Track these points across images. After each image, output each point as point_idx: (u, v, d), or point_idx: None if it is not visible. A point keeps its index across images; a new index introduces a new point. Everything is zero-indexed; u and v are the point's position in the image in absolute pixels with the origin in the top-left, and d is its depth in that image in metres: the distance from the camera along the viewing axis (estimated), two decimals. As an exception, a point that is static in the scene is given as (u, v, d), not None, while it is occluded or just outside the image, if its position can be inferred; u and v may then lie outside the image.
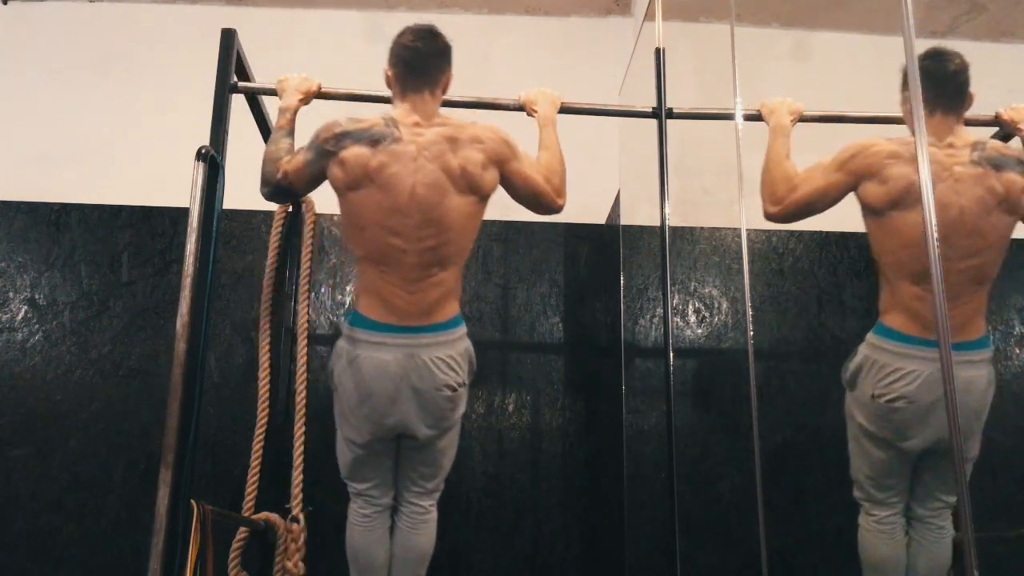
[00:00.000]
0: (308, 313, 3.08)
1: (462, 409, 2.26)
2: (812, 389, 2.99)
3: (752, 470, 2.11)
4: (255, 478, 2.80)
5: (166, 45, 3.60)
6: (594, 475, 3.04)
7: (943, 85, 2.15)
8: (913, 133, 2.22)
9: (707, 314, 3.15)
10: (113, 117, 3.49)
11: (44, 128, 3.48)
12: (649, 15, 2.62)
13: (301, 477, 2.85)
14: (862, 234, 2.25)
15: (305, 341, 3.03)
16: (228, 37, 2.39)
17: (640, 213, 2.85)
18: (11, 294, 3.16)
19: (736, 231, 3.00)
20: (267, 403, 2.91)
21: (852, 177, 2.17)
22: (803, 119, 2.39)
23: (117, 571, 2.86)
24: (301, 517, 2.79)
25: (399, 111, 2.24)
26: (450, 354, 2.17)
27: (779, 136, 2.32)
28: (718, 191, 3.15)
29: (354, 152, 2.13)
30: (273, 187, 2.24)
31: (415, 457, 2.27)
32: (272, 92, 2.43)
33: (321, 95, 2.44)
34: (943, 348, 1.42)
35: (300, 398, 2.98)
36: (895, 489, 2.19)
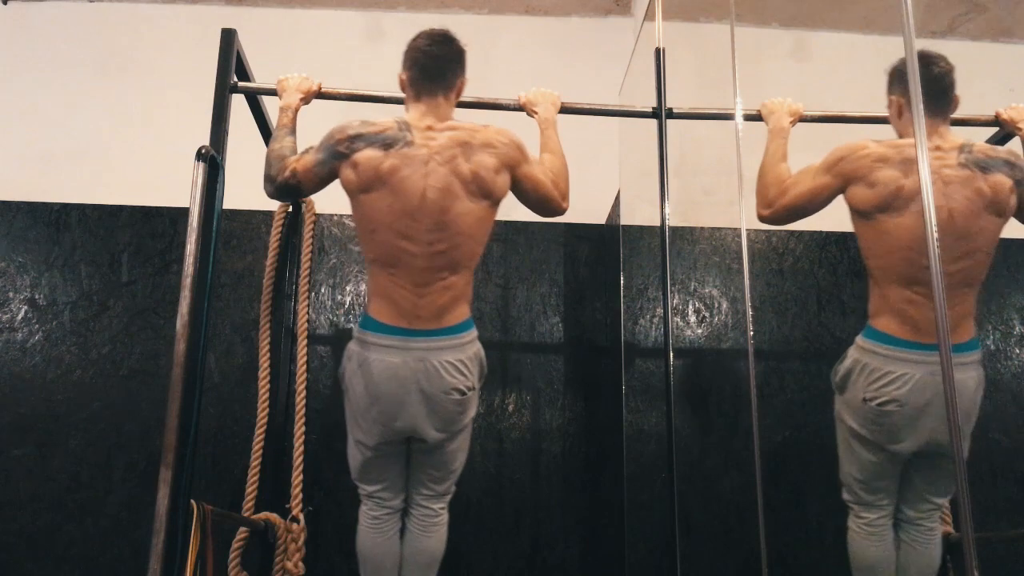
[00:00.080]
0: (308, 313, 3.09)
1: (472, 413, 2.26)
2: (812, 389, 2.99)
3: (752, 470, 2.11)
4: (255, 478, 2.80)
5: (166, 45, 3.60)
6: (594, 475, 3.04)
7: (928, 88, 2.15)
8: (899, 135, 2.24)
9: (707, 314, 3.15)
10: (113, 117, 3.49)
11: (44, 128, 3.48)
12: (649, 15, 2.62)
13: (301, 477, 2.86)
14: (861, 234, 2.25)
15: (305, 341, 3.03)
16: (228, 37, 2.39)
17: (640, 213, 2.85)
18: (11, 294, 3.16)
19: (736, 231, 3.00)
20: (267, 403, 2.92)
21: (840, 180, 2.17)
22: (803, 119, 2.40)
23: (117, 571, 2.86)
24: (301, 517, 2.79)
25: (412, 115, 2.24)
26: (460, 358, 2.17)
27: (776, 138, 2.33)
28: (718, 191, 3.15)
29: (367, 155, 2.13)
30: (279, 185, 2.23)
31: (425, 460, 2.27)
32: (272, 92, 2.43)
33: (321, 95, 2.45)
34: (943, 350, 1.42)
35: (300, 398, 2.98)
36: (884, 492, 2.20)
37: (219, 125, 2.30)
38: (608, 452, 2.99)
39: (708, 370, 3.11)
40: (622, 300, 2.92)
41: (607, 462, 3.01)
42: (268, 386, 2.94)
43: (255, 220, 3.22)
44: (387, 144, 2.14)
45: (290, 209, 3.14)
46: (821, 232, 3.16)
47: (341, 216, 3.26)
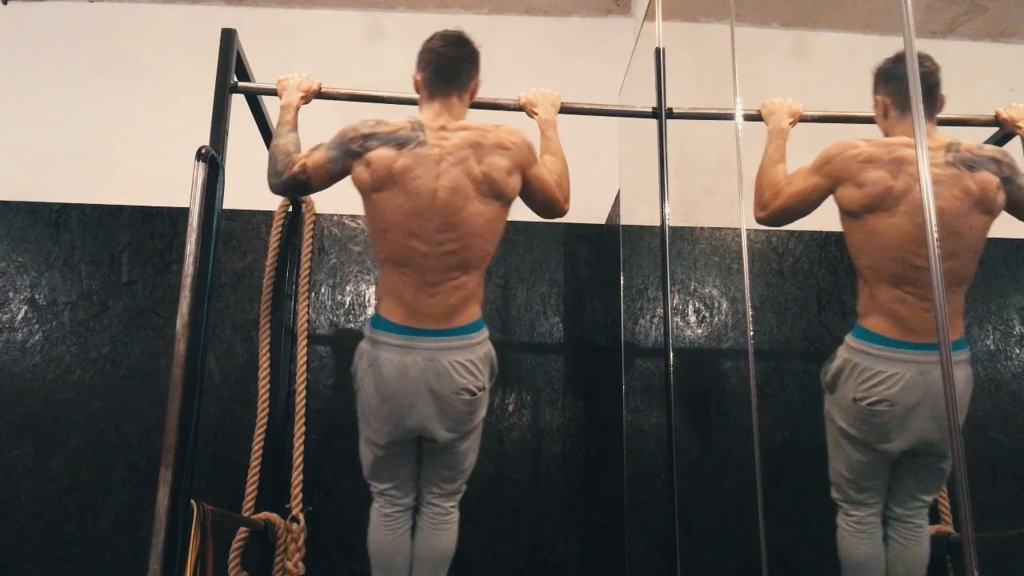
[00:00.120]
0: (308, 313, 3.09)
1: (483, 413, 2.27)
2: (812, 389, 2.97)
3: (752, 470, 2.11)
4: (255, 478, 2.80)
5: (166, 45, 3.60)
6: (594, 475, 3.04)
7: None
8: (885, 134, 2.24)
9: (707, 314, 3.15)
10: (113, 117, 3.49)
11: (44, 128, 3.48)
12: (649, 15, 2.62)
13: (301, 477, 2.86)
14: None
15: (305, 341, 3.03)
16: (228, 37, 2.39)
17: (640, 213, 2.85)
18: (11, 294, 3.16)
19: (736, 231, 3.00)
20: (267, 403, 2.92)
21: (830, 181, 2.18)
22: (803, 119, 2.40)
23: (117, 571, 2.86)
24: (301, 517, 2.79)
25: (426, 114, 2.25)
26: (470, 358, 2.17)
27: (775, 139, 2.33)
28: (718, 191, 3.15)
29: (380, 154, 2.14)
30: (287, 180, 2.22)
31: (436, 459, 2.27)
32: (272, 92, 2.43)
33: (321, 95, 2.44)
34: (943, 350, 1.42)
35: (300, 398, 2.99)
36: (873, 490, 2.20)
37: (219, 125, 2.30)
38: (608, 452, 2.99)
39: (708, 370, 3.11)
40: (622, 300, 2.92)
41: (607, 462, 3.01)
42: (268, 386, 2.94)
43: (255, 220, 3.22)
44: (400, 143, 2.15)
45: (290, 209, 3.14)
46: (821, 232, 3.16)
47: (341, 216, 3.26)
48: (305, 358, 3.03)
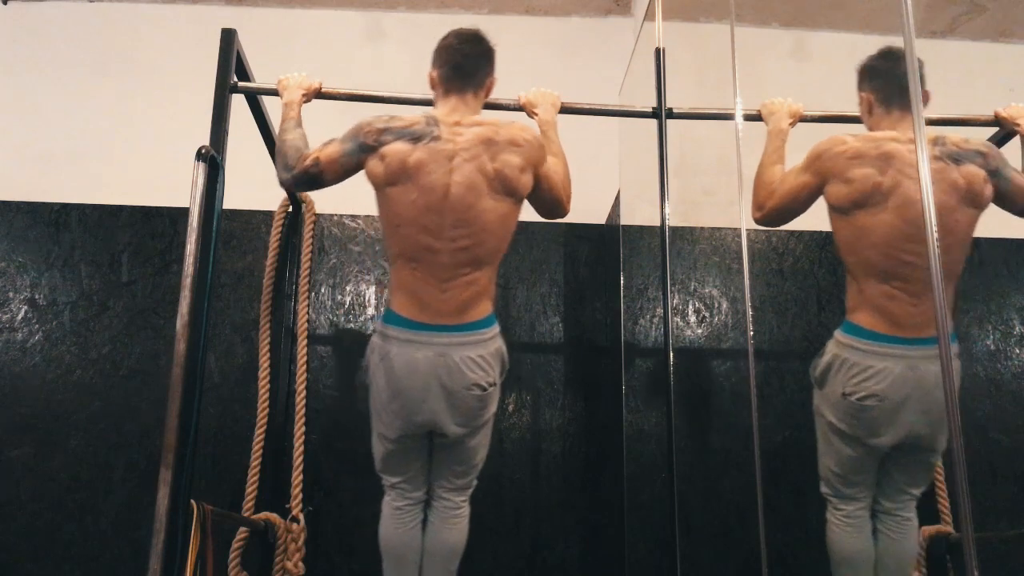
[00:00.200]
0: (308, 313, 3.09)
1: (493, 409, 2.28)
2: (812, 389, 2.99)
3: (752, 470, 2.11)
4: (255, 478, 2.80)
5: (166, 45, 3.60)
6: (594, 475, 3.04)
7: (896, 83, 2.18)
8: (870, 130, 2.23)
9: (707, 314, 3.15)
10: (113, 117, 3.49)
11: (44, 128, 3.48)
12: (649, 15, 2.62)
13: (301, 477, 2.86)
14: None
15: (305, 341, 3.04)
16: (228, 37, 2.39)
17: (640, 213, 2.85)
18: (11, 294, 3.16)
19: (736, 231, 3.00)
20: (267, 403, 2.92)
21: (819, 178, 2.18)
22: (803, 119, 2.40)
23: (117, 571, 2.86)
24: (301, 517, 2.79)
25: (441, 110, 2.26)
26: (481, 354, 2.18)
27: (773, 140, 2.34)
28: (718, 191, 3.15)
29: (395, 147, 2.15)
30: (298, 173, 2.22)
31: (447, 454, 2.28)
32: (272, 92, 2.43)
33: (321, 95, 2.44)
34: (943, 349, 1.41)
35: (300, 398, 2.99)
36: (862, 485, 2.21)
37: (219, 125, 2.30)
38: (608, 452, 2.99)
39: (708, 370, 3.11)
40: (622, 300, 2.92)
41: (607, 462, 3.01)
42: (268, 386, 2.94)
43: (255, 220, 3.22)
44: (415, 138, 2.16)
45: (290, 209, 3.14)
46: (821, 232, 3.15)
47: (341, 216, 3.26)
48: (305, 358, 3.03)
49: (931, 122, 2.24)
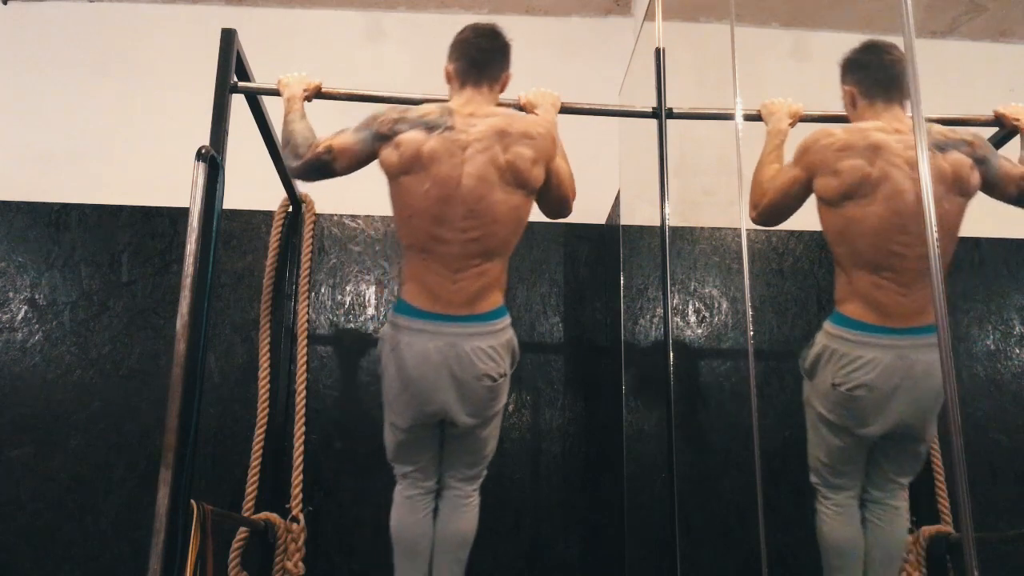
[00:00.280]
0: (308, 313, 3.09)
1: (504, 399, 2.29)
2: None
3: (752, 470, 2.11)
4: (255, 478, 2.80)
5: (166, 45, 3.60)
6: (594, 475, 3.04)
7: (882, 75, 2.20)
8: (853, 120, 2.25)
9: (707, 314, 3.15)
10: (113, 117, 3.49)
11: (44, 128, 3.48)
12: (649, 15, 2.62)
13: (301, 477, 2.86)
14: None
15: (305, 341, 3.04)
16: (228, 37, 2.39)
17: (640, 213, 2.85)
18: (11, 294, 3.16)
19: (736, 231, 3.00)
20: (267, 403, 2.92)
21: (808, 172, 2.19)
22: (803, 119, 2.40)
23: (117, 571, 2.86)
24: (301, 517, 2.80)
25: (457, 102, 2.27)
26: (491, 344, 2.19)
27: (772, 140, 2.34)
28: (718, 191, 3.15)
29: (410, 135, 2.16)
30: (309, 160, 2.22)
31: (458, 444, 2.29)
32: (272, 92, 2.43)
33: (321, 95, 2.44)
34: (944, 354, 1.41)
35: (300, 398, 2.99)
36: (851, 474, 2.22)
37: (219, 125, 2.30)
38: (608, 452, 2.99)
39: (708, 370, 3.11)
40: (622, 300, 2.92)
41: (607, 462, 3.01)
42: (268, 386, 2.95)
43: (255, 220, 3.22)
44: (429, 127, 2.17)
45: (290, 209, 3.14)
46: (821, 232, 3.15)
47: (341, 216, 3.26)
48: (305, 358, 3.03)
49: (931, 121, 2.24)
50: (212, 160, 2.17)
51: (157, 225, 3.24)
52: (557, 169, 2.29)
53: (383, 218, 3.26)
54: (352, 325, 3.17)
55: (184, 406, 1.99)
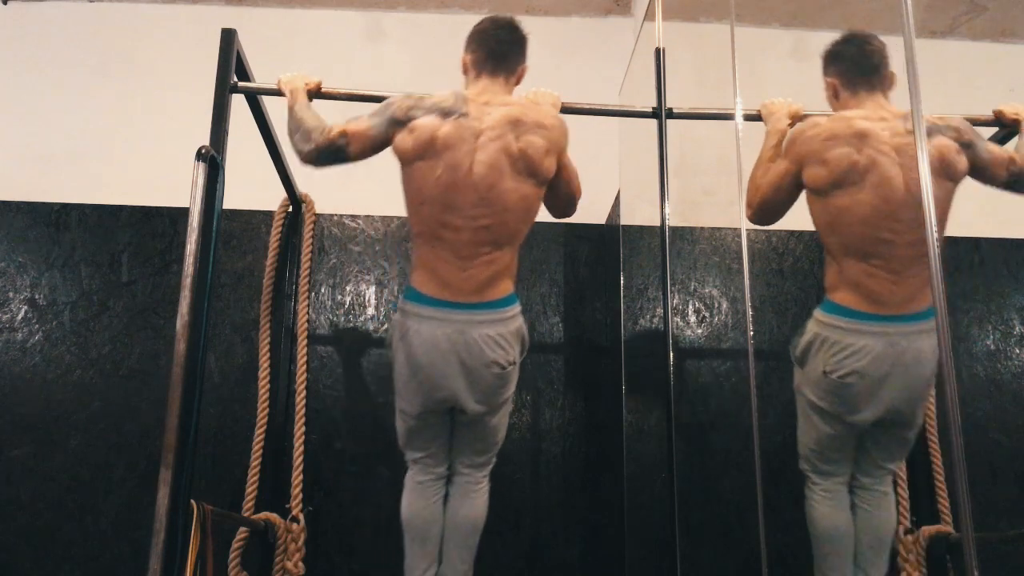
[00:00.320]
0: (308, 313, 3.09)
1: (513, 387, 2.30)
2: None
3: (752, 470, 2.11)
4: (255, 478, 2.80)
5: (166, 45, 3.60)
6: (594, 475, 3.04)
7: (859, 65, 2.23)
8: (835, 111, 2.26)
9: (707, 314, 3.15)
10: (113, 117, 3.49)
11: (44, 128, 3.48)
12: (649, 15, 2.62)
13: (301, 477, 2.86)
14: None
15: (305, 341, 3.04)
16: (228, 37, 2.39)
17: (640, 213, 2.85)
18: (11, 294, 3.16)
19: (736, 231, 3.00)
20: (267, 403, 2.92)
21: (796, 164, 2.20)
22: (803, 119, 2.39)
23: (117, 571, 2.86)
24: (301, 517, 2.79)
25: (472, 90, 2.28)
26: (500, 332, 2.19)
27: (770, 140, 2.35)
28: (718, 191, 3.15)
29: (425, 120, 2.17)
30: (325, 145, 2.22)
31: (467, 431, 2.30)
32: (272, 92, 2.43)
33: (321, 95, 2.44)
34: (943, 350, 1.41)
35: (300, 398, 2.99)
36: (841, 461, 2.23)
37: (219, 125, 2.30)
38: (608, 452, 2.99)
39: (708, 370, 3.11)
40: (622, 300, 2.92)
41: (607, 462, 3.01)
42: (268, 386, 2.95)
43: (255, 220, 3.22)
44: (445, 113, 2.18)
45: (290, 209, 3.14)
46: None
47: (341, 216, 3.26)
48: (305, 358, 3.03)
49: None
50: (212, 160, 2.17)
51: (157, 225, 3.24)
52: (568, 164, 2.31)
53: (383, 218, 3.26)
54: (352, 325, 3.17)
55: (184, 406, 1.99)
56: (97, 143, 3.45)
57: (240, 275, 3.18)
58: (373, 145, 2.23)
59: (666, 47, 2.46)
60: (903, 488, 2.76)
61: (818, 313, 2.19)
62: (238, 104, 2.43)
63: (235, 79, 2.39)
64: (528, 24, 3.77)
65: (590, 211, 3.16)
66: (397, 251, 3.24)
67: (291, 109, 2.31)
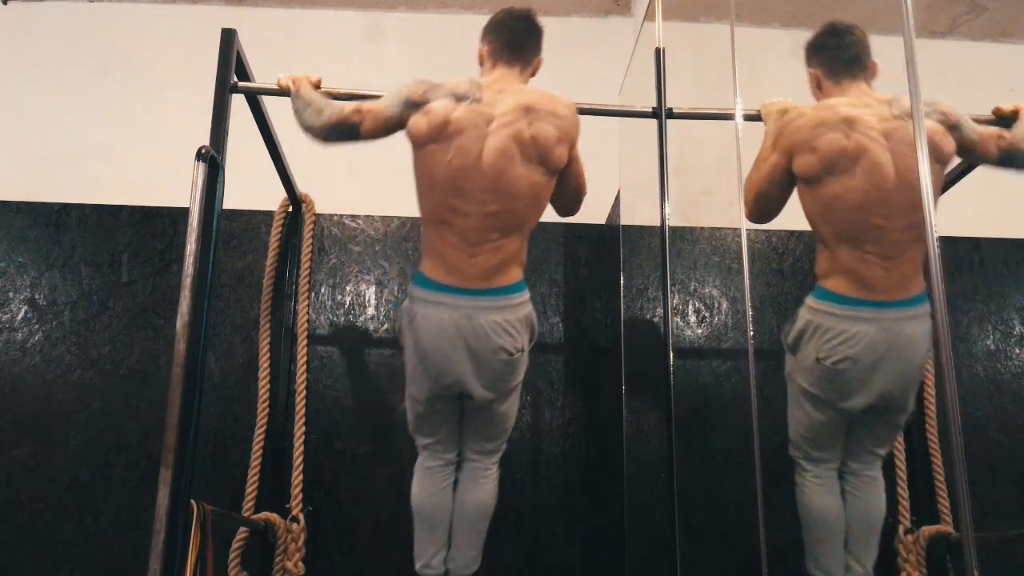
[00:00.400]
0: (308, 313, 3.09)
1: (521, 375, 2.30)
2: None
3: (752, 470, 2.11)
4: (255, 478, 2.80)
5: (166, 45, 3.60)
6: (594, 475, 3.04)
7: (842, 55, 2.25)
8: (816, 100, 2.28)
9: (707, 314, 3.15)
10: (113, 117, 3.49)
11: (44, 128, 3.48)
12: (649, 15, 2.62)
13: (301, 477, 2.86)
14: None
15: (305, 341, 3.04)
16: (228, 37, 2.39)
17: (640, 213, 2.85)
18: (11, 294, 3.16)
19: (736, 231, 3.00)
20: (267, 403, 2.92)
21: (786, 154, 2.21)
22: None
23: (117, 571, 2.86)
24: (301, 517, 2.80)
25: (487, 79, 2.30)
26: (508, 319, 2.19)
27: (768, 140, 2.34)
28: (718, 191, 3.15)
29: (439, 103, 2.18)
30: (338, 120, 2.22)
31: (476, 418, 2.30)
32: (272, 92, 2.43)
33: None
34: (944, 350, 1.41)
35: (300, 398, 2.99)
36: (833, 447, 2.24)
37: (219, 125, 2.30)
38: (608, 452, 2.99)
39: (708, 370, 3.11)
40: (622, 300, 2.92)
41: (607, 462, 3.01)
42: (268, 386, 2.95)
43: (255, 220, 3.22)
44: (459, 98, 2.19)
45: (290, 209, 3.14)
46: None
47: (341, 216, 3.26)
48: (305, 358, 3.03)
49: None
50: (212, 160, 2.17)
51: (157, 225, 3.24)
52: (577, 158, 2.31)
53: (383, 218, 3.26)
54: (352, 325, 3.17)
55: (184, 406, 1.99)
56: (97, 143, 3.45)
57: (240, 275, 3.18)
58: (387, 125, 2.23)
59: (666, 47, 2.46)
60: (903, 488, 2.76)
61: (810, 300, 2.19)
62: (238, 104, 2.43)
63: (235, 79, 2.39)
64: (528, 24, 3.79)
65: (590, 211, 3.15)
66: (397, 251, 3.24)
67: (297, 93, 2.31)
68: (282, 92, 2.38)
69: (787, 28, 3.64)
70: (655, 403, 2.86)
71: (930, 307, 2.15)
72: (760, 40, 3.58)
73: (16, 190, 3.29)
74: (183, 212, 2.20)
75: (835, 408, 2.17)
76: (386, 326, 3.16)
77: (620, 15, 3.73)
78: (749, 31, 3.53)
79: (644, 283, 3.03)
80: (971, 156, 2.21)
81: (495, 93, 2.22)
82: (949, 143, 2.13)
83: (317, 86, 2.41)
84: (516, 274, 2.23)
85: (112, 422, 3.01)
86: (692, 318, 3.14)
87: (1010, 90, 3.42)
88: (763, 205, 2.29)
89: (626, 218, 2.99)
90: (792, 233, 3.18)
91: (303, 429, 2.95)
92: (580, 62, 3.60)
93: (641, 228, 2.88)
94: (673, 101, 2.44)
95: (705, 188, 3.22)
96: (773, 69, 3.48)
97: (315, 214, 3.19)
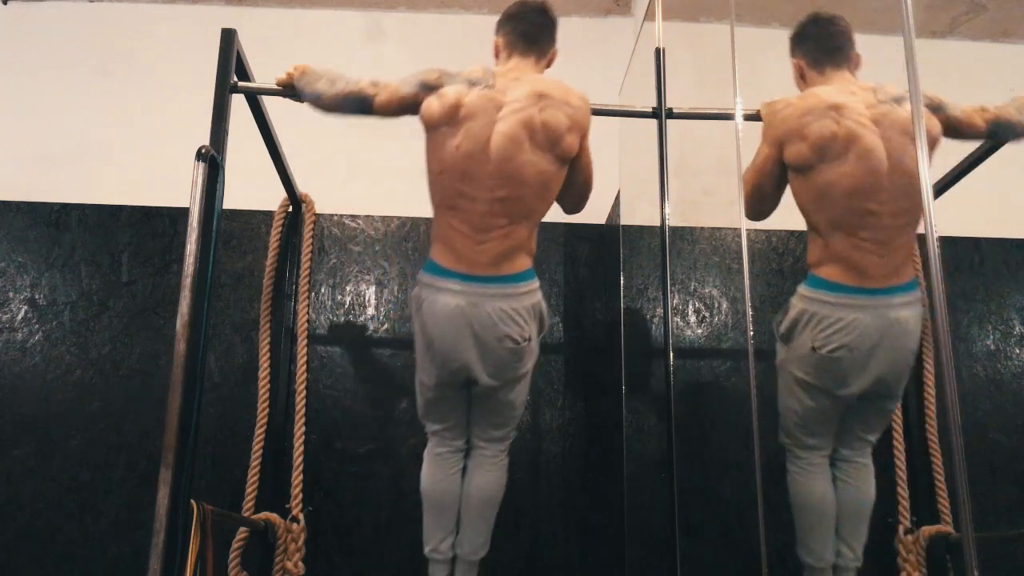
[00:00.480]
0: (308, 313, 3.09)
1: (530, 364, 2.30)
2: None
3: (752, 470, 2.11)
4: (255, 478, 2.80)
5: (166, 45, 3.60)
6: (594, 475, 3.04)
7: (825, 45, 2.27)
8: (800, 90, 2.30)
9: (707, 314, 3.15)
10: (113, 117, 3.49)
11: (44, 128, 3.48)
12: (649, 15, 2.62)
13: (301, 477, 2.86)
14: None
15: (305, 341, 3.04)
16: (228, 37, 2.39)
17: (640, 213, 2.85)
18: (11, 294, 3.16)
19: (736, 231, 3.00)
20: (267, 403, 2.92)
21: (776, 146, 2.21)
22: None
23: (117, 571, 2.86)
24: (301, 517, 2.80)
25: (502, 68, 2.31)
26: (515, 307, 2.19)
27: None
28: (718, 191, 3.15)
29: (453, 87, 2.19)
30: (352, 92, 2.24)
31: (484, 405, 2.31)
32: (272, 92, 2.43)
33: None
34: (944, 349, 1.41)
35: (300, 398, 2.99)
36: (825, 435, 2.25)
37: (219, 125, 2.30)
38: (608, 452, 2.99)
39: (708, 370, 3.10)
40: (622, 300, 2.92)
41: (607, 462, 3.01)
42: (268, 386, 2.95)
43: (255, 220, 3.22)
44: (472, 83, 2.20)
45: (290, 209, 3.14)
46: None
47: (341, 216, 3.26)
48: (305, 358, 3.03)
49: None
50: (212, 160, 2.17)
51: (157, 225, 3.24)
52: (587, 149, 2.32)
53: (383, 218, 3.26)
54: (352, 325, 3.17)
55: (184, 406, 1.99)
56: (97, 143, 3.45)
57: (240, 275, 3.18)
58: (401, 103, 2.24)
59: (666, 47, 2.46)
60: (903, 488, 2.76)
61: (803, 289, 2.19)
62: (238, 104, 2.43)
63: (235, 79, 2.39)
64: (528, 24, 3.78)
65: (590, 211, 3.14)
66: (397, 251, 3.24)
67: (304, 71, 2.31)
68: (283, 92, 2.38)
69: (787, 28, 3.60)
70: (655, 403, 2.86)
71: (920, 292, 2.17)
72: (760, 40, 3.57)
73: (16, 190, 3.29)
74: (183, 212, 2.19)
75: (830, 396, 2.17)
76: (386, 326, 3.16)
77: (620, 15, 3.73)
78: (749, 31, 3.52)
79: (644, 283, 3.03)
80: (960, 135, 2.21)
81: (509, 81, 2.23)
82: (935, 125, 2.14)
83: None
84: (524, 262, 2.24)
85: (112, 422, 3.01)
86: (692, 318, 3.14)
87: (1010, 90, 3.39)
88: (758, 199, 2.29)
89: (626, 218, 2.99)
90: (792, 233, 3.18)
91: (303, 429, 2.95)
92: (580, 62, 3.58)
93: (641, 228, 2.88)
94: (673, 101, 2.44)
95: (705, 188, 3.21)
96: (773, 69, 3.47)
97: (315, 214, 3.19)
